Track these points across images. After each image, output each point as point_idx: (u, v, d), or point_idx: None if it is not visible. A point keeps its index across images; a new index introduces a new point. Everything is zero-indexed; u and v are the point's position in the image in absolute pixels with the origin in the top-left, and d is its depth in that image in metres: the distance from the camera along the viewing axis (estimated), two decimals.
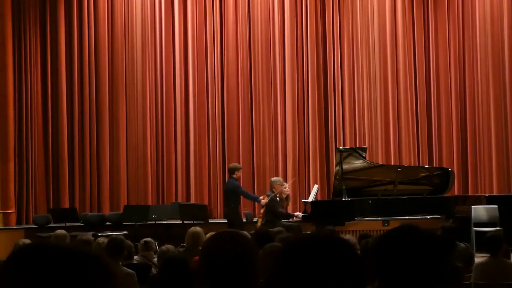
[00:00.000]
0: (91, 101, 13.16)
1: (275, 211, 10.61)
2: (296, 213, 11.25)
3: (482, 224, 10.82)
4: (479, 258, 7.25)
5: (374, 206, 10.52)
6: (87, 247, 1.30)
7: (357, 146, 12.75)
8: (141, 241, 7.10)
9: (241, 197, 11.44)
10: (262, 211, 10.72)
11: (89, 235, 7.73)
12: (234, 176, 10.94)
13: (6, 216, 12.26)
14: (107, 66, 13.23)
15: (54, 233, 6.96)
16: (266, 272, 1.69)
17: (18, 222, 12.50)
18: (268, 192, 10.97)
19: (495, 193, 12.88)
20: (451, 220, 10.52)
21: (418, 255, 1.80)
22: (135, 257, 6.63)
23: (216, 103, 13.50)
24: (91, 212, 12.63)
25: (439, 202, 10.80)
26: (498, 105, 13.49)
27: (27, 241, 6.31)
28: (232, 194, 10.83)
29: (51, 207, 12.61)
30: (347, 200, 10.37)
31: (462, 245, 6.64)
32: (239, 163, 13.33)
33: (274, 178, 11.34)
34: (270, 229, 7.78)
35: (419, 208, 10.78)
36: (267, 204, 10.64)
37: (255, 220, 11.07)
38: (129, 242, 6.40)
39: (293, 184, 13.21)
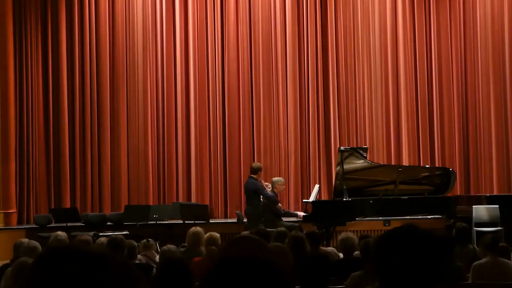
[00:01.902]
0: (92, 100, 13.16)
1: (275, 210, 10.59)
2: (299, 213, 11.19)
3: (483, 224, 10.81)
4: None
5: (375, 206, 10.50)
6: (117, 255, 1.28)
7: (358, 146, 12.74)
8: (141, 241, 7.10)
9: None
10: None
11: (88, 236, 7.71)
12: (255, 176, 10.78)
13: (7, 216, 12.26)
14: (108, 65, 13.23)
15: (53, 233, 6.94)
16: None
17: (19, 222, 12.50)
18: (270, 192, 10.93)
19: (495, 193, 12.87)
20: (452, 220, 10.51)
21: (418, 255, 1.80)
22: (138, 256, 6.62)
23: (217, 103, 13.50)
24: (92, 212, 12.64)
25: (440, 202, 10.78)
26: (499, 105, 13.48)
27: (26, 240, 6.29)
28: (249, 193, 10.71)
29: (52, 207, 12.61)
30: (348, 200, 10.36)
31: (471, 246, 6.66)
32: (240, 163, 13.35)
33: (275, 178, 11.32)
34: (271, 229, 7.78)
35: (420, 208, 10.77)
36: (264, 203, 10.63)
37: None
38: (132, 241, 6.39)
39: (295, 183, 13.21)
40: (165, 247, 6.26)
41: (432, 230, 1.94)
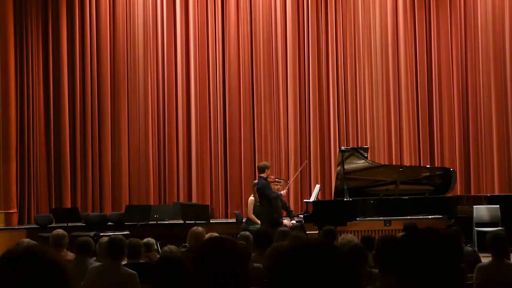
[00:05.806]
0: (93, 101, 13.16)
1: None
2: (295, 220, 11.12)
3: (484, 224, 10.82)
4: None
5: (376, 206, 10.49)
6: (45, 249, 1.47)
7: (359, 146, 12.74)
8: (142, 241, 7.05)
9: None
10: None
11: (88, 236, 7.67)
12: (263, 175, 10.69)
13: (8, 216, 12.25)
14: (109, 65, 13.23)
15: (52, 233, 6.91)
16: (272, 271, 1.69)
17: (20, 222, 12.50)
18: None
19: (496, 193, 12.87)
20: (453, 220, 10.51)
21: (439, 258, 1.79)
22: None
23: (218, 103, 13.50)
24: (93, 212, 12.64)
25: (441, 202, 10.76)
26: (500, 105, 13.49)
27: (26, 240, 6.28)
28: (260, 194, 10.65)
29: (53, 207, 12.61)
30: (349, 200, 10.35)
31: (469, 248, 6.65)
32: (241, 163, 13.34)
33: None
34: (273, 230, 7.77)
35: (421, 208, 10.74)
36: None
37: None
38: (138, 240, 6.33)
39: (295, 183, 13.20)
40: (166, 248, 6.23)
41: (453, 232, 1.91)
